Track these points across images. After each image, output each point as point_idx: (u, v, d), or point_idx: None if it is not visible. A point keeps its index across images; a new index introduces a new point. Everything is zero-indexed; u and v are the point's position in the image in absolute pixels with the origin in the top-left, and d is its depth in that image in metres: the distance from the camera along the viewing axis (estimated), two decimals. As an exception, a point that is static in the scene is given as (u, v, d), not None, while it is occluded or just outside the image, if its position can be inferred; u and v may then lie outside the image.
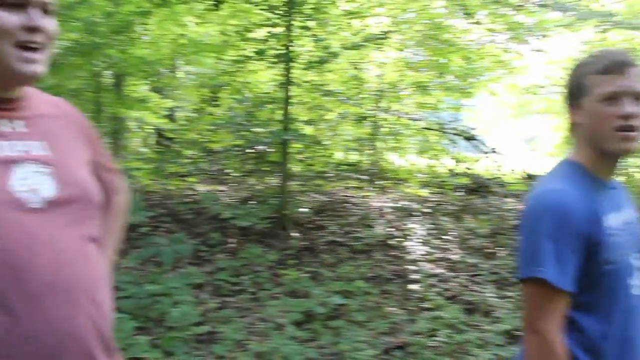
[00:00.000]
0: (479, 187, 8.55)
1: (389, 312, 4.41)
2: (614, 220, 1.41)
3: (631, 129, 1.38)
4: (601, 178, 1.46)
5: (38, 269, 1.10)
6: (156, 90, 10.36)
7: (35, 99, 1.30)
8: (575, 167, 1.46)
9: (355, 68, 8.78)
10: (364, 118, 7.86)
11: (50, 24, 1.16)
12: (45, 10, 1.15)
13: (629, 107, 1.37)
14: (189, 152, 8.10)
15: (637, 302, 1.43)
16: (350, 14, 8.03)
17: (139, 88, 10.39)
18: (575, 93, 1.45)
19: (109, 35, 7.35)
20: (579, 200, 1.35)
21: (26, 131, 1.21)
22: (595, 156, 1.45)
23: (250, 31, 7.09)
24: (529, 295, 1.37)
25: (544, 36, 9.88)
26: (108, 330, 1.25)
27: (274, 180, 6.67)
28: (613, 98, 1.38)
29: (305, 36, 6.63)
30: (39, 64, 1.15)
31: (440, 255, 5.66)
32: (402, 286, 4.92)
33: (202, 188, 7.55)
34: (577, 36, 10.58)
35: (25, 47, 1.12)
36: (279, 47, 6.40)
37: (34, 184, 1.15)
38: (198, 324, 4.00)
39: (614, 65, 1.39)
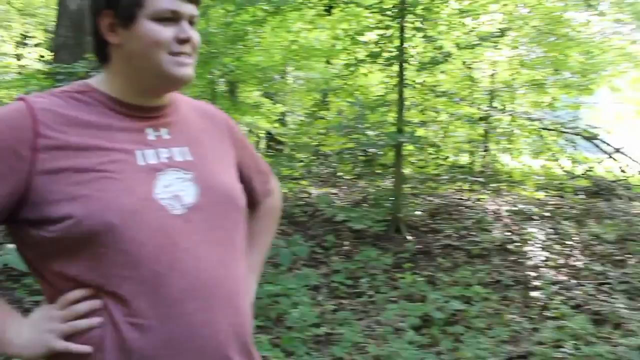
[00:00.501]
0: (602, 189, 8.05)
1: (510, 320, 4.26)
2: None
3: None
4: None
5: (179, 275, 1.13)
6: (268, 95, 10.71)
7: (180, 103, 1.35)
8: None
9: (468, 68, 8.60)
10: (480, 119, 7.65)
11: (195, 35, 1.23)
12: (192, 23, 1.23)
13: None
14: (301, 156, 8.29)
15: None
16: (463, 12, 7.86)
17: (252, 94, 10.80)
18: None
19: (225, 44, 7.67)
20: None
21: (170, 138, 1.26)
22: None
23: (361, 34, 7.14)
24: None
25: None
26: (248, 335, 1.26)
27: (385, 183, 6.67)
28: None
29: (418, 37, 6.58)
30: (190, 68, 1.23)
31: (563, 262, 5.38)
32: (522, 293, 4.73)
33: (314, 191, 7.69)
34: None
35: (177, 55, 1.20)
36: (391, 49, 6.40)
37: (176, 190, 1.19)
38: (316, 325, 4.07)
39: None
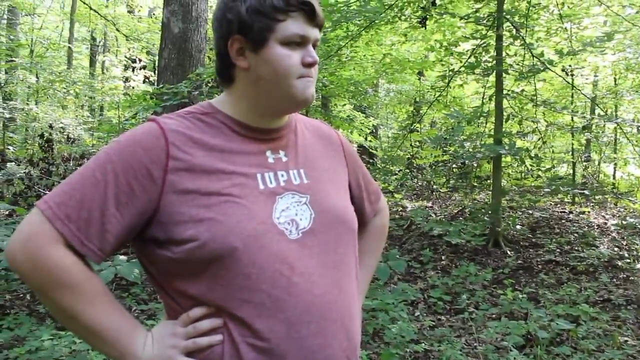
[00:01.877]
0: None
1: (623, 342, 4.02)
2: None
3: None
4: None
5: (296, 300, 1.15)
6: (361, 109, 10.77)
7: (296, 123, 1.38)
8: None
9: (570, 75, 8.25)
10: (583, 128, 7.29)
11: (317, 58, 1.27)
12: (314, 46, 1.27)
13: None
14: (394, 169, 8.25)
15: None
16: (563, 17, 7.56)
17: (345, 107, 10.90)
18: None
19: (320, 60, 7.79)
20: None
21: (288, 159, 1.29)
22: None
23: (456, 45, 7.04)
24: None
25: None
26: (357, 358, 1.27)
27: (481, 196, 6.51)
28: None
29: (515, 46, 6.40)
30: (313, 89, 1.26)
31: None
32: (636, 313, 4.46)
33: (409, 204, 7.62)
34: None
35: (303, 77, 1.24)
36: (489, 59, 6.26)
37: (293, 214, 1.21)
38: (415, 341, 4.03)
39: None
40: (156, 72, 8.69)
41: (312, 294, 1.18)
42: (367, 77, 9.57)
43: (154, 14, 16.48)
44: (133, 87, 11.76)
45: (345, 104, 10.73)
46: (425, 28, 7.47)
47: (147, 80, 12.61)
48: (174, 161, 1.17)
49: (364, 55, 9.41)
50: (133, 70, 12.72)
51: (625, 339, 4.08)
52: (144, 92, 7.41)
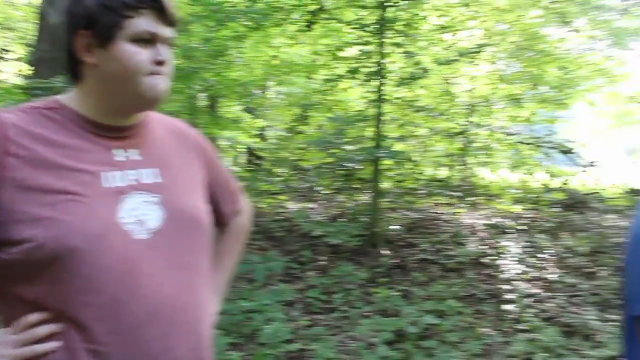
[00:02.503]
0: (576, 202, 8.16)
1: (483, 333, 4.29)
2: None
3: None
4: None
5: (140, 301, 1.13)
6: (248, 110, 10.73)
7: (153, 122, 1.35)
8: None
9: (447, 83, 8.71)
10: (458, 133, 7.73)
11: (170, 56, 1.25)
12: (168, 45, 1.25)
13: None
14: (279, 170, 8.30)
15: None
16: (442, 28, 7.97)
17: (232, 109, 10.81)
18: None
19: (206, 59, 7.68)
20: None
21: (139, 159, 1.26)
22: None
23: (341, 50, 7.20)
24: None
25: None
26: None
27: (364, 198, 6.70)
28: None
29: (397, 53, 6.65)
30: (164, 88, 1.24)
31: (536, 275, 5.44)
32: (496, 306, 4.77)
33: (292, 206, 7.70)
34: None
35: (152, 75, 1.22)
36: (370, 65, 6.46)
37: (141, 214, 1.18)
38: (289, 341, 4.07)
39: None
40: (32, 65, 8.17)
41: (159, 295, 1.15)
42: (255, 79, 9.55)
43: (30, 2, 15.48)
44: (2, 80, 10.98)
45: (232, 105, 10.64)
46: (311, 31, 7.60)
47: (20, 73, 11.81)
48: (13, 157, 1.10)
49: (254, 57, 9.39)
50: (3, 61, 11.88)
51: (486, 330, 4.36)
52: (14, 86, 6.95)
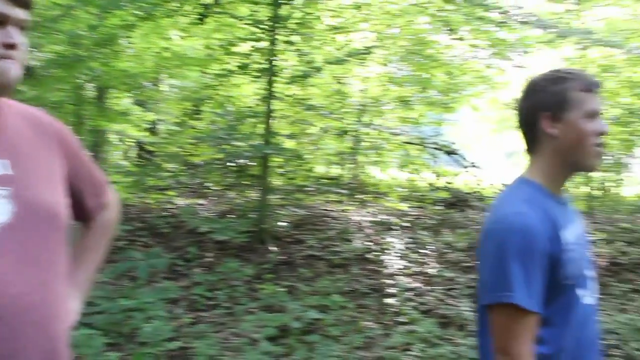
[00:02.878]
0: (458, 201, 8.60)
1: (365, 327, 4.41)
2: (570, 235, 1.43)
3: (603, 146, 1.46)
4: (556, 194, 1.49)
5: None
6: (139, 103, 10.37)
7: (8, 112, 1.26)
8: (532, 186, 1.48)
9: (339, 82, 8.85)
10: (346, 132, 7.90)
11: (23, 40, 1.17)
12: (22, 27, 1.17)
13: (606, 125, 1.46)
14: (169, 166, 8.08)
15: (588, 310, 1.48)
16: (335, 29, 8.10)
17: (122, 101, 10.40)
18: (557, 106, 1.46)
19: (93, 48, 7.33)
20: (541, 221, 1.37)
21: None
22: (560, 170, 1.48)
23: (234, 45, 7.12)
24: (499, 320, 1.37)
25: (525, 52, 9.99)
26: None
27: (254, 194, 6.67)
28: (593, 115, 1.44)
29: (289, 51, 6.68)
30: (15, 72, 1.16)
31: (418, 269, 5.67)
32: (378, 300, 4.92)
33: (181, 202, 7.53)
34: (558, 53, 10.72)
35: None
36: (262, 61, 6.44)
37: None
38: (171, 339, 3.97)
39: (594, 84, 1.47)
40: None
41: (6, 294, 1.08)
42: (146, 71, 9.24)
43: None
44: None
45: (122, 97, 10.24)
46: (204, 24, 7.46)
47: None
48: None
49: (144, 48, 9.08)
50: None
51: (368, 323, 4.48)
52: None
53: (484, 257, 1.44)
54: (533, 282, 1.33)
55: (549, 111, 1.46)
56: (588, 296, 1.48)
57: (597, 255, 6.37)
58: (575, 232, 1.48)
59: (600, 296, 5.17)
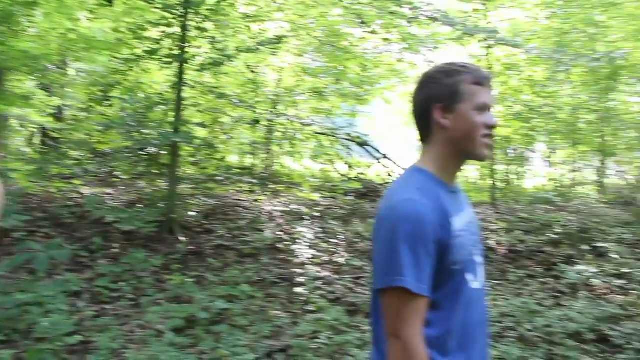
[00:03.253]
0: (370, 191, 8.78)
1: (273, 316, 4.44)
2: (459, 222, 1.49)
3: (492, 137, 1.53)
4: (447, 182, 1.55)
5: None
6: (43, 87, 9.85)
7: None
8: (424, 174, 1.53)
9: (252, 72, 8.80)
10: (258, 122, 7.86)
11: None
12: None
13: (494, 118, 1.52)
14: (75, 153, 7.75)
15: (475, 294, 1.54)
16: (249, 17, 8.02)
17: (24, 84, 9.83)
18: (449, 98, 1.50)
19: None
20: (432, 208, 1.41)
21: None
22: (451, 161, 1.54)
23: (144, 30, 6.89)
24: (390, 304, 1.40)
25: (435, 48, 10.30)
26: None
27: (164, 184, 6.53)
28: (485, 108, 1.50)
29: (202, 37, 6.55)
30: None
31: (327, 259, 5.76)
32: (287, 289, 4.97)
33: (88, 191, 7.24)
34: (465, 50, 11.12)
35: None
36: (173, 48, 6.28)
37: None
38: (71, 333, 3.83)
39: (487, 78, 1.52)
40: None
41: None
42: (50, 53, 8.78)
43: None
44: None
45: (24, 80, 9.67)
46: (112, 6, 7.19)
47: None
48: None
49: (48, 28, 8.62)
50: None
51: (276, 312, 4.51)
52: None
53: (376, 243, 1.47)
54: (422, 267, 1.37)
55: (441, 102, 1.52)
56: (476, 281, 1.54)
57: (497, 244, 6.73)
58: (465, 220, 1.54)
59: (498, 282, 5.49)
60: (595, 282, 5.49)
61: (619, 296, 5.23)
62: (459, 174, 1.61)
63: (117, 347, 3.76)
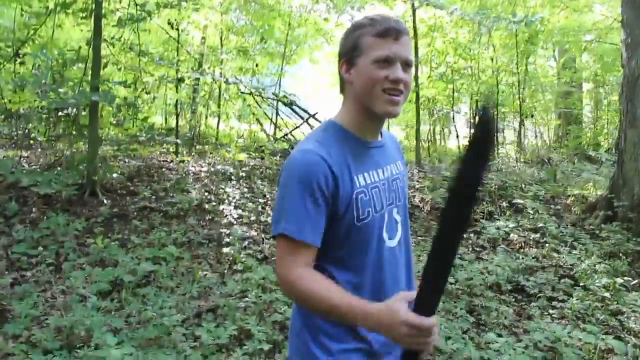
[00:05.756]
0: (297, 151, 8.79)
1: (201, 277, 4.42)
2: (368, 178, 1.47)
3: (398, 93, 1.44)
4: (362, 137, 1.50)
5: None
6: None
7: None
8: (334, 127, 1.50)
9: (174, 29, 8.49)
10: (182, 80, 7.65)
11: None
12: None
13: (399, 72, 1.43)
14: (-16, 114, 7.31)
15: (390, 253, 1.52)
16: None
17: None
18: (351, 52, 1.46)
19: None
20: (327, 160, 1.38)
21: None
22: (361, 116, 1.49)
23: (56, -19, 6.49)
24: (278, 250, 1.41)
25: (361, 8, 10.31)
26: None
27: (84, 145, 6.28)
28: (386, 61, 1.42)
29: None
30: None
31: (254, 218, 5.76)
32: (215, 250, 4.94)
33: (0, 154, 6.86)
34: (392, 11, 11.19)
35: None
36: (88, 1, 5.97)
37: None
38: (-14, 302, 3.68)
39: (390, 30, 1.43)
40: None
41: None
42: (-49, 5, 8.13)
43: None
44: None
45: None
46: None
47: None
48: None
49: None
50: None
51: (205, 273, 4.49)
52: None
53: (278, 194, 1.46)
54: (309, 215, 1.36)
55: (345, 57, 1.48)
56: (392, 239, 1.53)
57: (421, 201, 6.94)
58: (379, 176, 1.52)
59: (423, 238, 5.67)
60: (513, 236, 5.79)
61: (534, 249, 5.54)
62: (375, 129, 1.54)
63: (38, 313, 3.63)
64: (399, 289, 1.54)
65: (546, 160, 10.80)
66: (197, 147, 8.09)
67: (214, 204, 5.98)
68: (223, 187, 6.49)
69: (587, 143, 13.09)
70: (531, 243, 5.71)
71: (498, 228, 5.88)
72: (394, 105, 1.46)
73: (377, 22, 1.45)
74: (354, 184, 1.42)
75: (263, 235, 5.34)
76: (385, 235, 1.51)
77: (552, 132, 14.63)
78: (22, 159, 6.64)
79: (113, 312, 3.76)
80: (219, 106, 9.84)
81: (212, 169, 7.06)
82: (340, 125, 1.51)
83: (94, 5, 5.82)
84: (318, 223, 1.39)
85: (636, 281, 4.70)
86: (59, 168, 6.10)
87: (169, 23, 8.04)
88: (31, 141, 7.45)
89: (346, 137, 1.48)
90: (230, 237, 5.20)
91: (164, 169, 6.83)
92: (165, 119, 9.98)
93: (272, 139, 9.12)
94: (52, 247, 4.64)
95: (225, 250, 4.95)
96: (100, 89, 5.57)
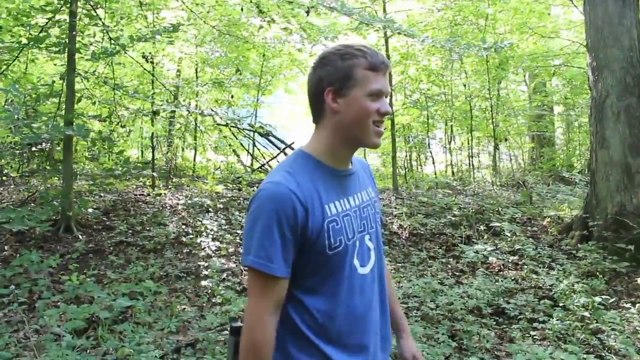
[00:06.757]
0: (273, 181, 8.78)
1: (180, 310, 4.34)
2: (339, 206, 1.46)
3: (383, 125, 1.49)
4: (333, 166, 1.50)
5: None
6: None
7: None
8: (303, 157, 1.49)
9: (149, 62, 8.50)
10: (157, 113, 7.62)
11: None
12: None
13: (387, 106, 1.47)
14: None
15: (363, 281, 1.51)
16: (143, 5, 7.74)
17: None
18: (342, 82, 1.45)
19: None
20: (296, 191, 1.38)
21: None
22: (338, 145, 1.49)
23: (29, 16, 6.46)
24: (248, 281, 1.41)
25: (334, 38, 10.42)
26: None
27: (59, 180, 6.19)
28: (378, 95, 1.45)
29: (93, 25, 6.25)
30: None
31: (233, 250, 5.71)
32: (193, 283, 4.88)
33: (-29, 191, 6.74)
34: (365, 40, 11.34)
35: None
36: (62, 36, 5.94)
37: None
38: (-44, 344, 3.56)
39: (383, 64, 1.46)
40: None
41: None
42: None
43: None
44: None
45: None
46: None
47: None
48: None
49: None
50: None
51: (183, 307, 4.42)
52: None
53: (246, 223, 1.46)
54: (275, 248, 1.35)
55: (333, 86, 1.47)
56: (365, 267, 1.52)
57: (399, 227, 6.95)
58: (352, 203, 1.52)
59: (402, 264, 5.66)
60: (491, 259, 5.81)
61: (512, 271, 5.57)
62: (349, 157, 1.55)
63: (10, 355, 3.53)
64: (373, 316, 1.56)
65: (521, 183, 10.93)
66: (174, 179, 8.03)
67: (191, 236, 5.91)
68: (200, 219, 6.43)
69: (560, 165, 13.30)
70: (510, 265, 5.73)
71: (477, 252, 5.91)
72: (380, 137, 1.51)
73: (368, 55, 1.47)
74: (325, 213, 1.42)
75: (242, 267, 5.29)
76: (356, 262, 1.50)
77: (526, 155, 14.84)
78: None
79: (89, 350, 3.67)
80: (195, 138, 9.82)
81: (189, 202, 7.00)
82: (309, 154, 1.51)
83: (67, 40, 5.80)
84: (287, 255, 1.38)
85: (614, 299, 4.74)
86: (32, 204, 6.00)
87: (143, 56, 8.05)
88: (4, 177, 7.33)
89: (316, 166, 1.48)
90: (209, 270, 5.13)
91: (140, 203, 6.75)
92: (142, 152, 9.91)
93: (249, 170, 9.10)
94: (25, 285, 4.53)
95: (203, 283, 4.89)
96: (74, 123, 5.52)
